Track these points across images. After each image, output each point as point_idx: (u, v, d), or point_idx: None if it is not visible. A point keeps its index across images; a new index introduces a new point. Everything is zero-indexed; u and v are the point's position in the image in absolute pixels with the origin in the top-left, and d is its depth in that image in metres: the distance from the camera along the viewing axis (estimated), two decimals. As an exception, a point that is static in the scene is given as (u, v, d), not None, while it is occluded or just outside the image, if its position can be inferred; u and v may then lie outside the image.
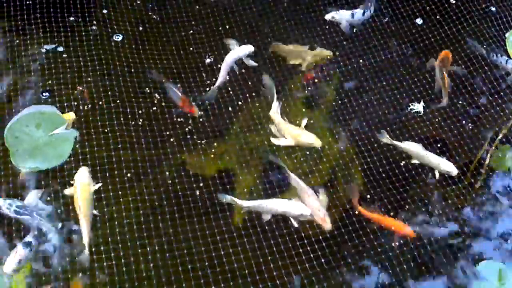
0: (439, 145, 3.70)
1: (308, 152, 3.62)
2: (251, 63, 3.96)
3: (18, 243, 3.09)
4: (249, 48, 3.97)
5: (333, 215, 3.34)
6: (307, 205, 3.28)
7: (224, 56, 3.99)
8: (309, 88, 3.94)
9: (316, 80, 3.95)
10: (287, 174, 3.43)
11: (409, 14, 4.37)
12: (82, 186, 3.22)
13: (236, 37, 4.15)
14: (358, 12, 4.19)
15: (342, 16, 4.19)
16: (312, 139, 3.52)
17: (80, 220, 3.15)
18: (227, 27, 4.24)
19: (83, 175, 3.26)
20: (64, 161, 3.42)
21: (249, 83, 3.93)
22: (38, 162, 3.40)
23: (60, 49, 3.97)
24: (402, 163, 3.59)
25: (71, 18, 4.15)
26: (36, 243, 3.09)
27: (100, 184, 3.32)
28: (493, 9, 4.40)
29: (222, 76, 3.87)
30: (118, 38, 4.09)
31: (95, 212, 3.22)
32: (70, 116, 3.56)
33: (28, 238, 3.09)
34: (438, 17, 4.37)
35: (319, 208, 3.27)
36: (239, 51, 3.96)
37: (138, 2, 4.34)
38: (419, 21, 4.33)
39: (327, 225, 3.24)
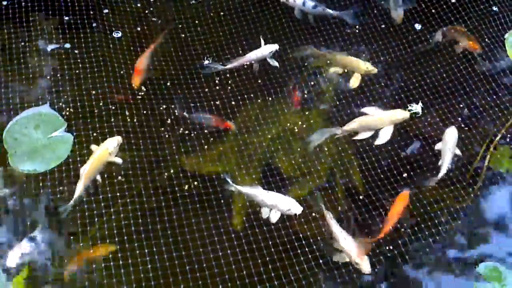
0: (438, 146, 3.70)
1: (305, 153, 3.62)
2: (274, 63, 3.98)
3: (24, 238, 3.10)
4: (274, 47, 3.99)
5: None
6: (342, 246, 3.18)
7: (222, 57, 4.02)
8: (308, 90, 3.94)
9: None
10: (323, 213, 3.32)
11: (407, 16, 4.37)
12: (103, 150, 3.37)
13: (234, 38, 4.17)
14: (309, 3, 4.26)
15: (296, 2, 4.27)
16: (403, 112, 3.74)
17: (80, 177, 3.28)
18: (226, 28, 4.25)
19: (110, 143, 3.40)
20: (62, 163, 3.42)
21: (248, 83, 3.93)
22: (36, 164, 3.39)
23: (63, 49, 3.98)
24: (399, 163, 3.60)
25: (68, 18, 4.17)
26: (42, 238, 3.09)
27: (120, 161, 3.40)
28: (494, 9, 4.39)
29: (236, 63, 3.92)
30: (118, 34, 4.10)
31: (98, 178, 3.34)
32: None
33: (34, 233, 3.09)
34: (436, 17, 4.37)
35: (356, 249, 3.15)
36: (265, 49, 3.98)
37: (138, 4, 4.34)
38: (417, 26, 4.32)
39: (365, 266, 3.12)
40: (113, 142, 3.42)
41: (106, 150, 3.37)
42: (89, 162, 3.33)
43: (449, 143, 3.58)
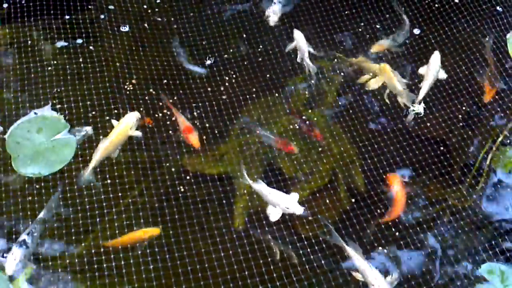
0: (440, 146, 3.70)
1: (307, 153, 3.63)
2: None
3: (13, 244, 3.09)
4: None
5: (333, 216, 3.35)
6: (368, 279, 3.04)
7: (224, 56, 4.05)
8: (310, 89, 3.95)
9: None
10: (340, 245, 3.20)
11: (409, 16, 4.38)
12: (123, 126, 3.47)
13: (236, 39, 4.17)
14: None
15: None
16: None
17: (97, 148, 3.37)
18: (228, 28, 4.26)
19: (130, 118, 3.49)
20: (66, 165, 3.43)
21: (250, 83, 3.94)
22: (41, 168, 3.39)
23: (65, 49, 3.98)
24: (401, 164, 3.60)
25: (68, 17, 4.18)
26: (31, 240, 3.09)
27: (140, 134, 3.51)
28: (497, 9, 4.39)
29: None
30: (125, 28, 4.12)
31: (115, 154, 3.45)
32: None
33: (22, 237, 3.10)
34: (438, 17, 4.37)
35: (381, 284, 3.02)
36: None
37: (144, 6, 4.35)
38: (417, 30, 4.31)
39: None
40: (132, 117, 3.51)
41: (127, 125, 3.47)
42: (110, 136, 3.42)
43: (432, 66, 3.88)
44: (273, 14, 4.15)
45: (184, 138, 3.61)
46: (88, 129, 3.56)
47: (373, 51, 4.14)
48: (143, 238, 3.20)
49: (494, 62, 4.03)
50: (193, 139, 3.60)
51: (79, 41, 4.06)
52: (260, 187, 3.31)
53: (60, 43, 4.04)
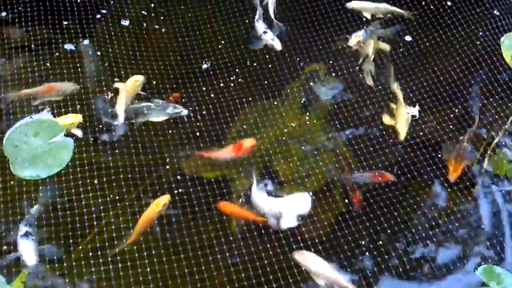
0: (435, 149, 3.71)
1: (304, 156, 3.64)
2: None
3: (18, 238, 3.13)
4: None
5: (328, 219, 3.37)
6: None
7: (221, 61, 4.06)
8: (305, 93, 3.97)
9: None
10: None
11: (404, 19, 4.40)
12: (133, 81, 3.78)
13: (233, 43, 4.20)
14: None
15: None
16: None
17: (117, 103, 3.67)
18: (224, 32, 4.27)
19: (137, 77, 3.79)
20: (63, 168, 3.44)
21: (247, 87, 3.96)
22: (39, 170, 3.40)
23: (63, 53, 4.00)
24: (397, 166, 3.62)
25: (66, 22, 4.20)
26: (32, 230, 3.11)
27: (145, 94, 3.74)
28: (491, 12, 4.41)
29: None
30: (126, 22, 4.14)
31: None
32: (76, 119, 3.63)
33: (23, 230, 3.12)
34: (433, 20, 4.39)
35: None
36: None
37: (143, 12, 4.37)
38: (408, 37, 4.33)
39: None
40: (139, 76, 3.80)
41: (137, 81, 3.76)
42: (122, 92, 3.70)
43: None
44: (272, 40, 4.19)
45: (246, 152, 3.59)
46: (185, 112, 3.73)
47: (352, 44, 4.13)
48: (156, 212, 3.23)
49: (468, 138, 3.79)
50: (248, 143, 3.61)
51: (78, 44, 4.07)
52: (263, 199, 3.34)
53: (56, 47, 4.05)
